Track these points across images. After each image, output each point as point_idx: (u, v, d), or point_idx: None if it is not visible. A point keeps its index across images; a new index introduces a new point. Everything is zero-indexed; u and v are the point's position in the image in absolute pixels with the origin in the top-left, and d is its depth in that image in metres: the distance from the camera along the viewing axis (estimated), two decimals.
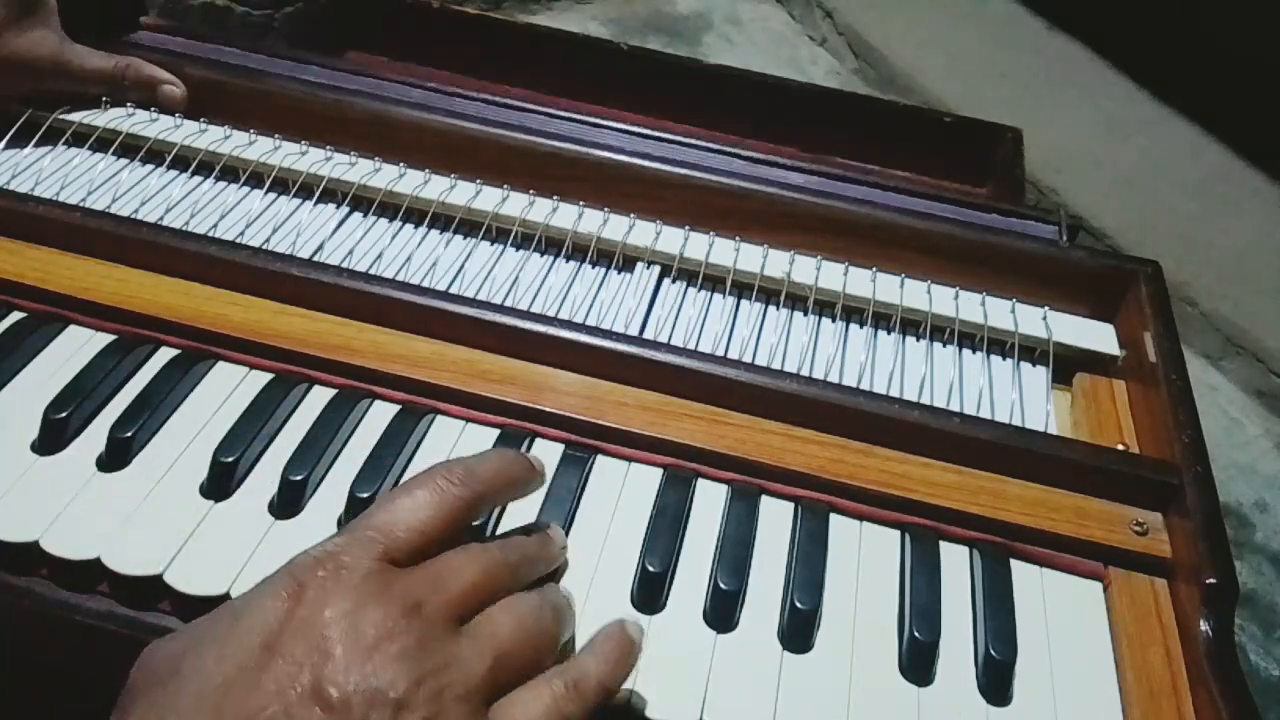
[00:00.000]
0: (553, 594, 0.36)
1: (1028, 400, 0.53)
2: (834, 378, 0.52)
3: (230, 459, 0.44)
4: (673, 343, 0.52)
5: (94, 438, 0.45)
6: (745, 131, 0.78)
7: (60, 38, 0.58)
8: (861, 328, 0.56)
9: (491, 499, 0.37)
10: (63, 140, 0.60)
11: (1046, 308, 0.56)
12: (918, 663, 0.41)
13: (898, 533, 0.46)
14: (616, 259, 0.58)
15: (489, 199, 0.59)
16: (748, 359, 0.52)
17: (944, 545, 0.45)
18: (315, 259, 0.54)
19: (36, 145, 0.59)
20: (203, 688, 0.29)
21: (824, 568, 0.43)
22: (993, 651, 0.41)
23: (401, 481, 0.45)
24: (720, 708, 0.38)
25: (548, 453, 0.47)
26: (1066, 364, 0.55)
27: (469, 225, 0.59)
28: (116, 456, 0.44)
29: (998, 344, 0.56)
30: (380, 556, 0.32)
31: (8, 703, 0.52)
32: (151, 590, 0.40)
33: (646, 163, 0.59)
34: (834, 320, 0.56)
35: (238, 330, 0.49)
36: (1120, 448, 0.50)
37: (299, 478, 0.44)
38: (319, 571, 0.31)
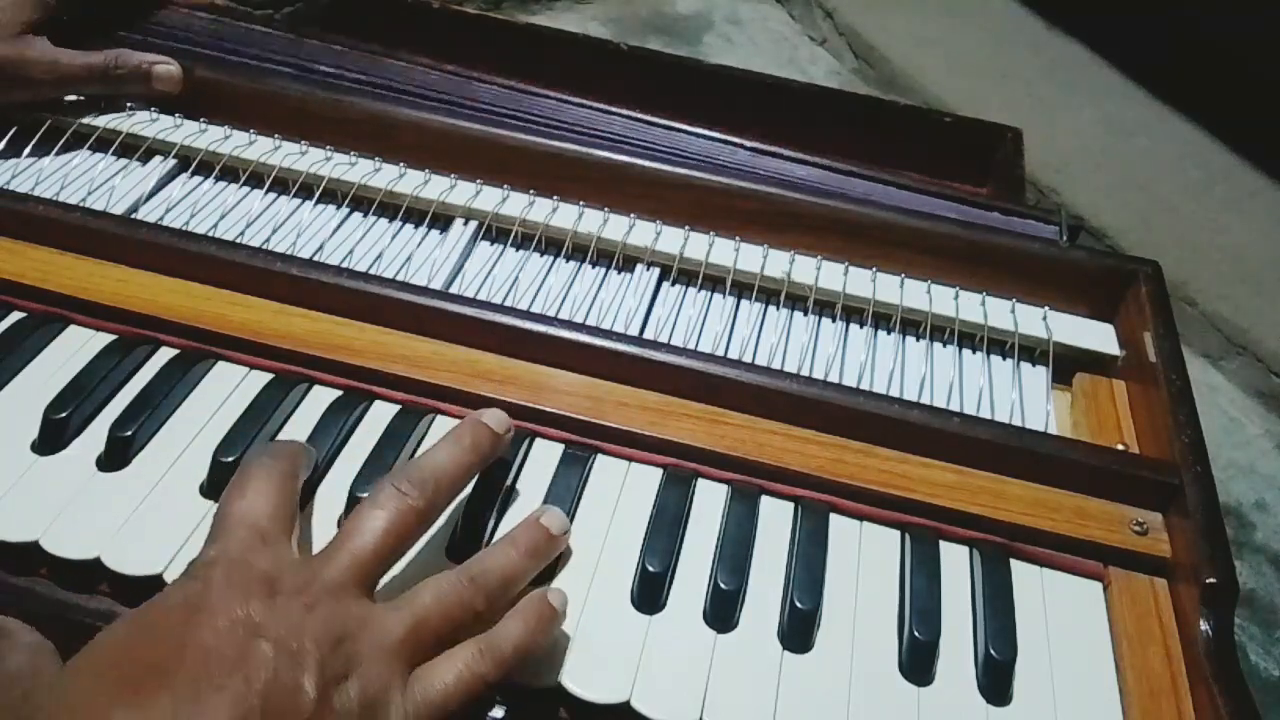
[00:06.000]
0: (484, 578, 0.37)
1: (1028, 400, 0.53)
2: (834, 378, 0.52)
3: (230, 459, 0.44)
4: (673, 343, 0.52)
5: (94, 438, 0.45)
6: (745, 132, 0.78)
7: (45, 42, 0.58)
8: (861, 328, 0.56)
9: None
10: (63, 140, 0.60)
11: (1046, 308, 0.56)
12: (918, 663, 0.41)
13: (898, 533, 0.46)
14: (616, 259, 0.58)
15: (489, 199, 0.59)
16: (748, 359, 0.52)
17: (944, 545, 0.45)
18: (315, 259, 0.54)
19: (36, 145, 0.59)
20: (120, 656, 0.31)
21: (824, 568, 0.43)
22: (993, 651, 0.41)
23: None
24: (720, 708, 0.38)
25: (548, 453, 0.47)
26: (1066, 364, 0.55)
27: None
28: (116, 456, 0.44)
29: (998, 344, 0.56)
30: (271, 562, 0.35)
31: None
32: (152, 590, 0.40)
33: (646, 162, 0.58)
34: (834, 320, 0.56)
35: (238, 330, 0.49)
36: (1120, 448, 0.50)
37: None
38: (216, 568, 0.33)
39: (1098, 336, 0.56)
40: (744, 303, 0.57)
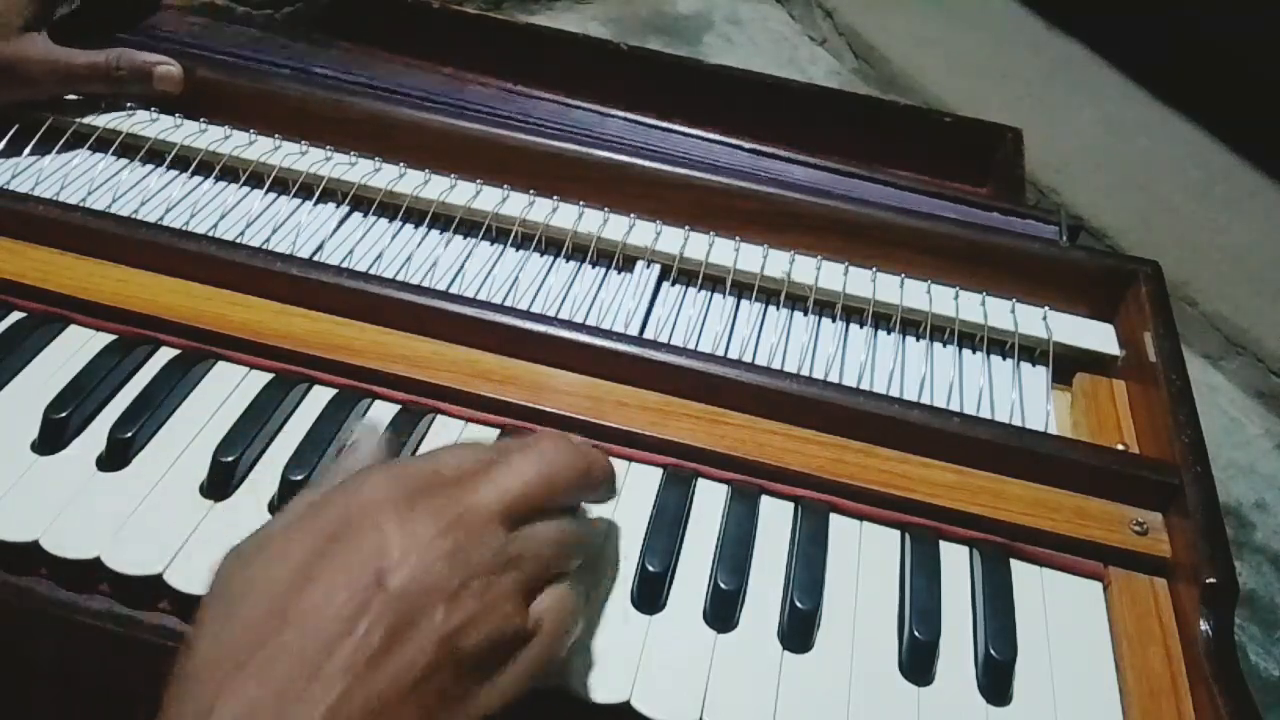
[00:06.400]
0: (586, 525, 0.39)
1: (1028, 400, 0.53)
2: (834, 378, 0.52)
3: (230, 459, 0.44)
4: (673, 343, 0.52)
5: (94, 438, 0.45)
6: (745, 132, 0.78)
7: (47, 41, 0.58)
8: (861, 328, 0.56)
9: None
10: (63, 140, 0.60)
11: (1046, 308, 0.56)
12: (918, 663, 0.41)
13: (898, 533, 0.46)
14: (616, 259, 0.58)
15: (489, 199, 0.59)
16: (748, 359, 0.52)
17: (944, 545, 0.45)
18: (315, 259, 0.54)
19: (36, 145, 0.59)
20: (269, 589, 0.30)
21: (824, 568, 0.43)
22: (993, 651, 0.41)
23: None
24: (720, 708, 0.38)
25: None
26: (1066, 364, 0.55)
27: (469, 225, 0.59)
28: (116, 456, 0.44)
29: (998, 344, 0.56)
30: (431, 470, 0.35)
31: (7, 703, 0.52)
32: (151, 590, 0.40)
33: (646, 163, 0.58)
34: (834, 320, 0.56)
35: (238, 330, 0.49)
36: (1120, 448, 0.50)
37: (299, 477, 0.44)
38: (378, 476, 0.33)
39: (1098, 336, 0.56)
40: (744, 303, 0.57)
